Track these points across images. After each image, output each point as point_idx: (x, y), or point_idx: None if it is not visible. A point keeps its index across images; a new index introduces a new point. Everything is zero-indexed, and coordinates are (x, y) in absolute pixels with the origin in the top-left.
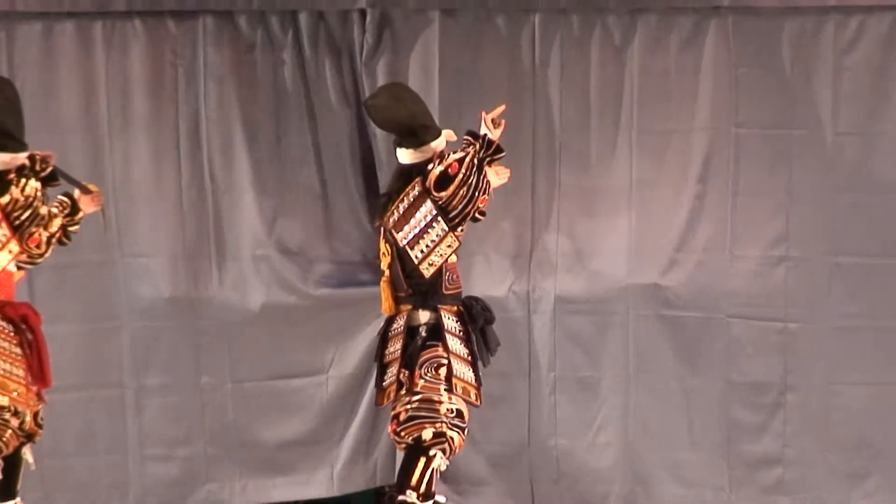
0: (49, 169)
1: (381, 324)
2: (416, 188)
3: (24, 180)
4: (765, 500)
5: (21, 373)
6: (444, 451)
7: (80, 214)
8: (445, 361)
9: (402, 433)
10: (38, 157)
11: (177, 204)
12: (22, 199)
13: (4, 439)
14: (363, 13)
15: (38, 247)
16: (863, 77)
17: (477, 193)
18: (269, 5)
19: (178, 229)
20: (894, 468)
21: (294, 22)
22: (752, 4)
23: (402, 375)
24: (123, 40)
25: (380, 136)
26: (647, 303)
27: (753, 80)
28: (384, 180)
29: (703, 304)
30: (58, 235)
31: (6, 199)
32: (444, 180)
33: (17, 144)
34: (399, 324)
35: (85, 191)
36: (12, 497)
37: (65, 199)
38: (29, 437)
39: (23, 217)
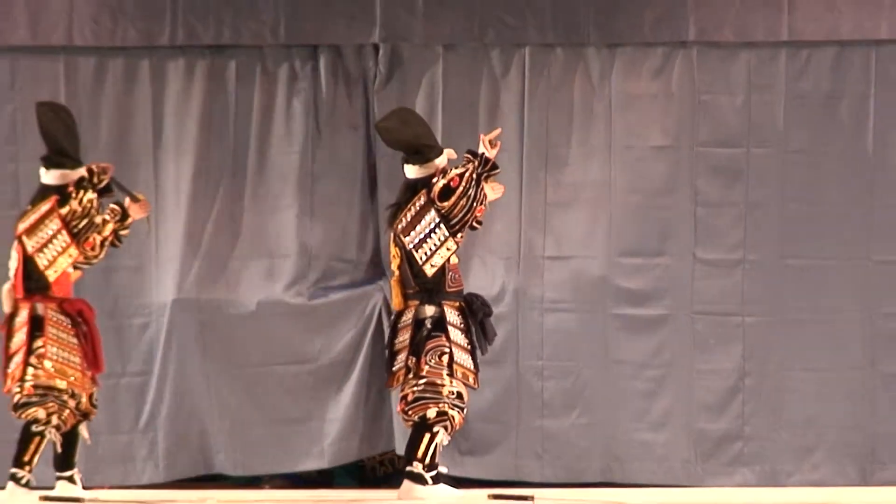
0: (105, 181)
1: (368, 319)
2: (422, 199)
3: (81, 192)
4: (727, 471)
5: (77, 360)
6: (445, 428)
7: (130, 220)
8: (448, 350)
9: (410, 412)
10: (95, 170)
11: (206, 216)
12: (80, 209)
13: (63, 418)
14: (376, 48)
15: (93, 249)
16: (811, 102)
17: (475, 204)
18: (293, 40)
19: (209, 236)
20: (837, 443)
21: (314, 55)
22: (713, 39)
23: (409, 362)
24: (165, 73)
25: (382, 156)
26: (621, 301)
27: (714, 105)
28: (384, 193)
29: (670, 303)
30: (110, 239)
31: (66, 209)
32: (446, 192)
33: (73, 162)
34: (407, 317)
35: (135, 199)
36: (71, 468)
37: (116, 207)
38: (85, 415)
39: (80, 225)
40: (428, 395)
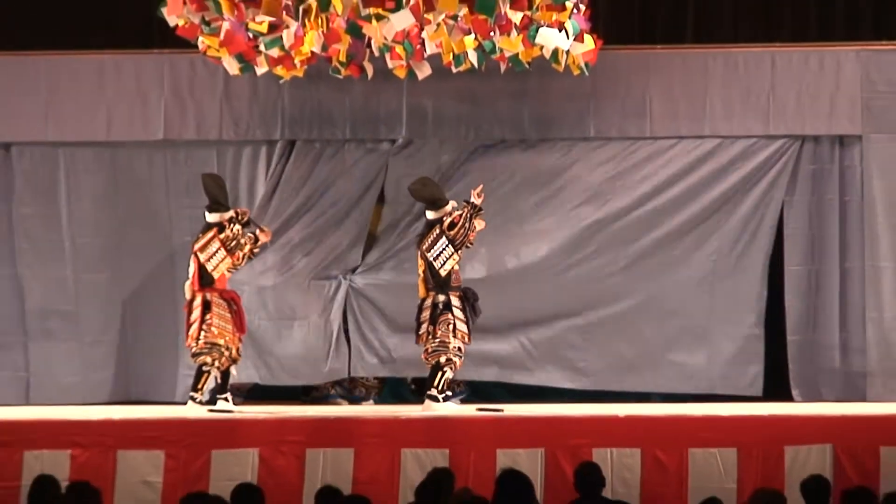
0: (245, 219)
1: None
2: (437, 230)
3: (232, 225)
4: None
5: (230, 327)
6: (451, 369)
7: (260, 243)
8: (452, 321)
9: (429, 358)
10: (239, 212)
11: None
12: (231, 235)
13: (222, 361)
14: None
15: (238, 260)
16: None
17: (469, 232)
18: (328, 135)
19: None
20: None
21: (343, 145)
22: (608, 136)
23: (429, 328)
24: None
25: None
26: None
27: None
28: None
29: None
30: (248, 255)
31: (223, 236)
32: (451, 226)
33: (224, 208)
34: (427, 301)
35: (262, 231)
36: (225, 392)
37: (251, 234)
38: (234, 361)
39: (232, 245)
40: (440, 348)
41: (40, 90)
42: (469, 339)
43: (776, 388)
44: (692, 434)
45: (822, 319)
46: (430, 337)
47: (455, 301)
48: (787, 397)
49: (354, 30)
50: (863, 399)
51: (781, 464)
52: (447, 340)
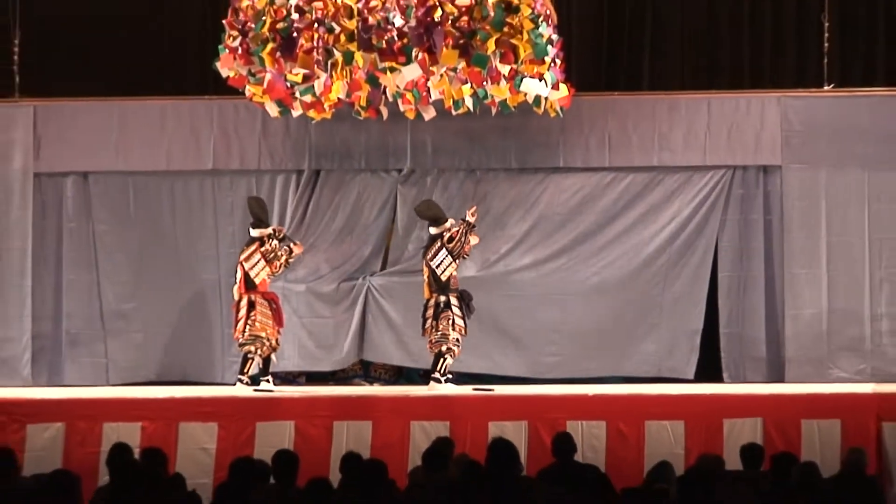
0: (282, 234)
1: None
2: (438, 244)
3: (271, 240)
4: None
5: (271, 322)
6: (450, 356)
7: (294, 255)
8: (452, 317)
9: (432, 347)
10: (277, 229)
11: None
12: (270, 248)
13: (264, 349)
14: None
15: (276, 269)
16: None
17: (465, 246)
18: (347, 166)
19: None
20: None
21: (360, 174)
22: (575, 166)
23: (432, 323)
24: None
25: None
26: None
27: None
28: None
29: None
30: (284, 264)
31: (263, 249)
32: (450, 240)
33: (265, 225)
34: (431, 301)
35: (296, 245)
36: (266, 375)
37: (287, 248)
38: (273, 349)
39: (270, 256)
40: (442, 339)
41: (113, 129)
42: (465, 331)
43: (711, 372)
44: (648, 409)
45: (749, 316)
46: (434, 330)
47: (454, 301)
48: (719, 379)
49: (373, 80)
50: (782, 381)
51: (720, 434)
52: (448, 333)
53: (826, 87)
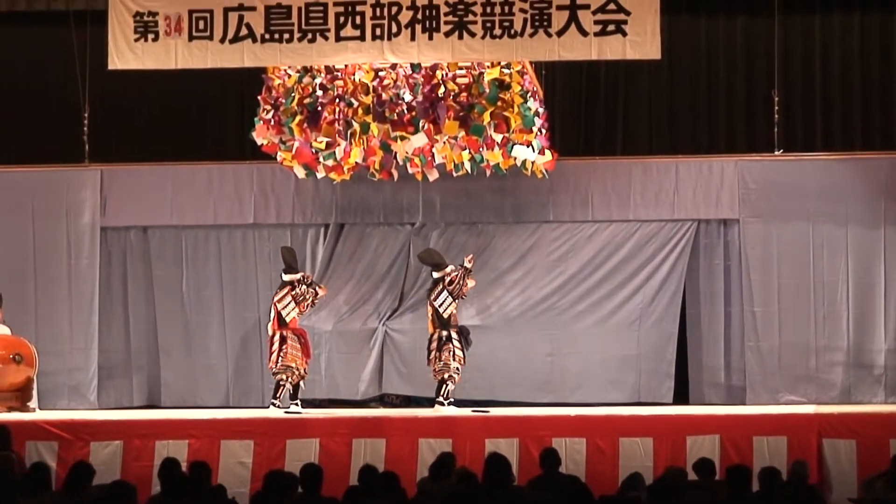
0: (310, 279)
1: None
2: (440, 286)
3: (300, 284)
4: None
5: (300, 354)
6: (452, 382)
7: (319, 297)
8: (452, 349)
9: (436, 375)
10: (306, 275)
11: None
12: (300, 292)
13: (294, 378)
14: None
15: (304, 309)
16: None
17: (463, 288)
18: (367, 220)
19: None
20: None
21: (378, 227)
22: (562, 220)
23: (436, 354)
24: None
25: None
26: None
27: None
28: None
29: None
30: (310, 304)
31: (294, 292)
32: (451, 282)
33: (295, 271)
34: (434, 336)
35: (321, 288)
36: (296, 398)
37: (314, 291)
38: (302, 378)
39: (300, 299)
40: (444, 369)
41: (167, 189)
42: (464, 362)
43: (678, 395)
44: (622, 428)
45: (711, 348)
46: (437, 360)
47: (454, 335)
48: (685, 402)
49: (386, 147)
50: (741, 404)
51: (684, 448)
52: (449, 363)
53: (777, 152)
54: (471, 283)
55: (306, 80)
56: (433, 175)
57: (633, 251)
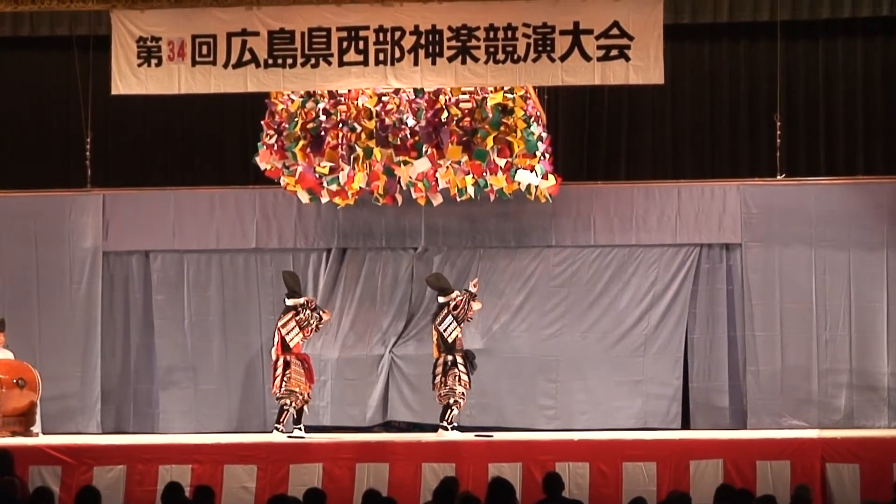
0: (313, 304)
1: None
2: (445, 311)
3: (304, 309)
4: None
5: (304, 378)
6: (457, 407)
7: (323, 322)
8: (458, 373)
9: (441, 400)
10: (309, 300)
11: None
12: (304, 317)
13: (297, 402)
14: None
15: (308, 334)
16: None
17: (468, 312)
18: (369, 245)
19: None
20: None
21: (381, 251)
22: (565, 244)
23: (441, 379)
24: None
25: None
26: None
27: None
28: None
29: None
30: (314, 329)
31: (298, 317)
32: (456, 307)
33: (298, 296)
34: (440, 360)
35: (325, 313)
36: (300, 422)
37: (317, 315)
38: (305, 402)
39: (303, 324)
40: (449, 393)
41: (170, 214)
42: (470, 386)
43: (682, 419)
44: (625, 452)
45: (714, 372)
46: (442, 385)
47: (459, 359)
48: (688, 426)
49: (389, 172)
50: (744, 428)
51: (687, 473)
52: (455, 388)
53: (779, 177)
54: (476, 306)
55: (309, 104)
56: (437, 200)
57: (637, 276)
